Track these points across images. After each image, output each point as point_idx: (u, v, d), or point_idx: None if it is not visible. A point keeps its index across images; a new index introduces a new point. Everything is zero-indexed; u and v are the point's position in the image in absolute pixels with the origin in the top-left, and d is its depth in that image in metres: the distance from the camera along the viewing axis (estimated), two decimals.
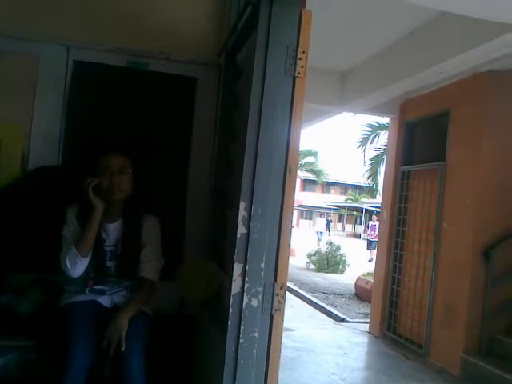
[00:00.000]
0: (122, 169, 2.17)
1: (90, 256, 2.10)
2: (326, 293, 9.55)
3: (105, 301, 2.16)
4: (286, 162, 1.68)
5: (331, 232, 29.00)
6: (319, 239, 19.80)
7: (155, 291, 2.22)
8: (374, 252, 16.03)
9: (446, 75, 4.60)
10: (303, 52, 1.70)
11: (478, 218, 4.79)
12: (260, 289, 1.66)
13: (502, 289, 4.77)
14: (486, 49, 3.55)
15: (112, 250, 2.19)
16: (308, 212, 41.54)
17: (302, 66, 1.70)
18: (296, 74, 1.69)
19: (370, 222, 18.62)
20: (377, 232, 15.64)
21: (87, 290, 2.15)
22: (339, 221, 41.90)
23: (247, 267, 1.65)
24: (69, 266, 2.06)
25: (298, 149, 1.71)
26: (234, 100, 2.31)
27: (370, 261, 15.89)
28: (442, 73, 4.39)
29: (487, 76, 4.70)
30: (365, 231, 20.07)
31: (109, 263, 2.18)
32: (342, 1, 3.81)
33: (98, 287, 2.17)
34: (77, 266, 2.07)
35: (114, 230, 2.20)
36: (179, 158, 2.63)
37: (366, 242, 18.27)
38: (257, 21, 1.74)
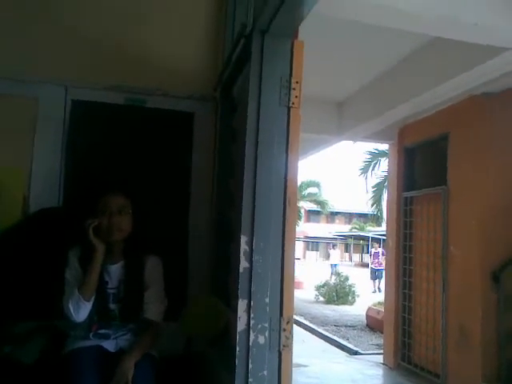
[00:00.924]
0: (121, 209, 2.14)
1: (93, 299, 2.05)
2: (337, 325, 9.37)
3: (109, 345, 2.09)
4: (285, 193, 1.66)
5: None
6: (333, 273, 17.92)
7: (160, 333, 2.16)
8: (378, 282, 15.42)
9: (440, 100, 4.64)
10: (296, 82, 1.71)
11: (485, 241, 4.74)
12: (266, 324, 1.61)
13: None
14: (480, 71, 3.59)
15: (115, 293, 2.14)
16: (314, 243, 41.28)
17: (296, 96, 1.71)
18: (290, 105, 1.70)
19: (373, 250, 17.74)
20: (380, 260, 15.28)
21: (91, 334, 2.10)
22: (346, 251, 41.55)
23: (252, 303, 1.61)
24: (72, 311, 2.01)
25: (297, 179, 1.70)
26: (232, 133, 2.31)
27: (374, 292, 15.27)
28: (435, 98, 4.43)
29: (483, 98, 4.73)
30: (367, 265, 19.04)
31: (112, 306, 2.13)
32: (334, 31, 3.87)
33: (103, 331, 2.11)
34: (80, 310, 2.02)
35: (116, 271, 2.16)
36: (179, 194, 2.61)
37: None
38: (249, 53, 1.75)
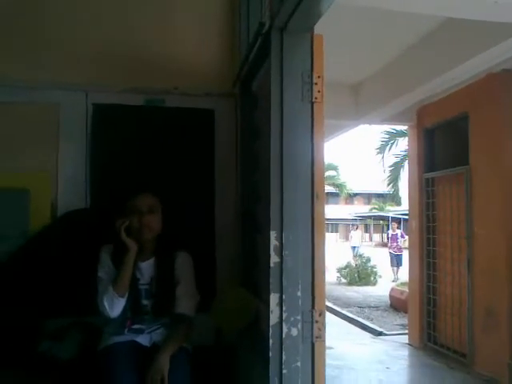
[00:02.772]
0: (150, 208, 2.20)
1: (127, 295, 2.12)
2: (361, 306, 9.39)
3: (144, 340, 2.15)
4: (313, 187, 1.68)
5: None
6: (355, 255, 15.63)
7: (193, 326, 2.22)
8: (397, 270, 13.53)
9: (459, 80, 4.56)
10: (318, 77, 1.72)
11: (510, 219, 4.68)
12: (299, 317, 1.65)
13: None
14: (499, 50, 3.51)
15: (147, 289, 2.20)
16: (334, 225, 41.18)
17: (319, 91, 1.71)
18: (313, 100, 1.70)
19: (390, 232, 15.15)
20: (400, 243, 14.26)
21: (126, 330, 2.16)
22: (366, 231, 41.35)
23: (284, 296, 1.64)
24: (107, 307, 2.07)
25: (323, 173, 1.72)
26: (253, 128, 2.33)
27: (393, 281, 12.98)
28: (453, 79, 4.36)
29: (501, 75, 4.64)
30: (387, 244, 15.40)
31: (144, 301, 2.19)
32: (348, 16, 3.81)
33: (136, 326, 2.17)
34: (115, 306, 2.08)
35: (147, 268, 2.22)
36: (204, 190, 2.65)
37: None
38: (269, 50, 1.76)
